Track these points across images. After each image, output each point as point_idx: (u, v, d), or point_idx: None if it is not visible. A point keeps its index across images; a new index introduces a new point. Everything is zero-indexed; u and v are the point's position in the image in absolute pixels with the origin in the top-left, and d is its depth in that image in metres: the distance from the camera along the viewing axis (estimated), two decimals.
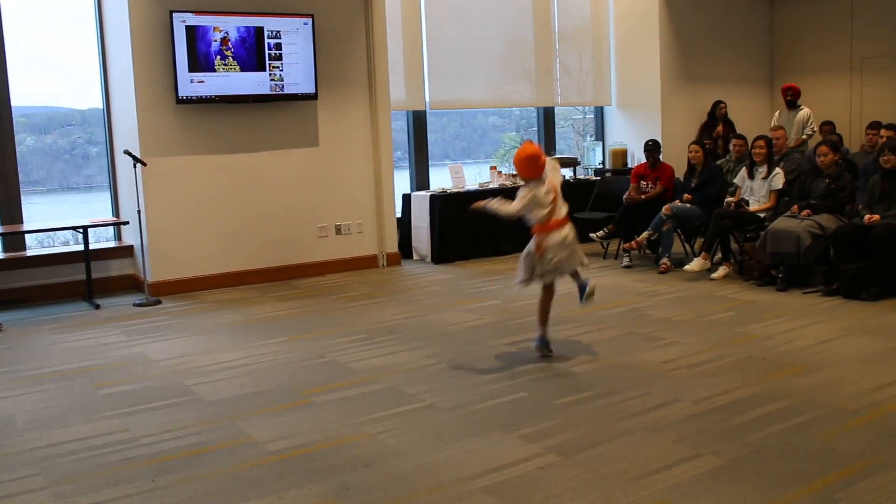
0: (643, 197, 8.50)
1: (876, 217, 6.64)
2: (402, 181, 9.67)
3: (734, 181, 8.09)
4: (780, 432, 3.88)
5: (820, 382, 4.60)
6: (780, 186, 7.63)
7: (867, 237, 6.57)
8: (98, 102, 8.19)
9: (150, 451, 3.91)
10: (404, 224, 9.33)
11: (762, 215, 7.59)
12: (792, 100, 10.16)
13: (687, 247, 8.43)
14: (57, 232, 8.06)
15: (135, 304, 7.31)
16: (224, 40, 7.72)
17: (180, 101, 7.60)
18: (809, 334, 5.62)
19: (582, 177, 10.44)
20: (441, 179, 9.72)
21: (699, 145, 8.36)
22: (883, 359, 5.00)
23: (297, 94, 8.15)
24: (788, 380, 4.65)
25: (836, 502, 3.16)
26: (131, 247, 8.06)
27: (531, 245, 5.16)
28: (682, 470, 3.50)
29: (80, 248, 7.53)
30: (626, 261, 8.38)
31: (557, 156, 10.57)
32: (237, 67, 7.82)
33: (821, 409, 4.16)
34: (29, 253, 7.82)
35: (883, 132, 8.43)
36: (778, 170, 7.71)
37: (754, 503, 3.18)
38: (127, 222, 7.86)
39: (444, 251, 9.00)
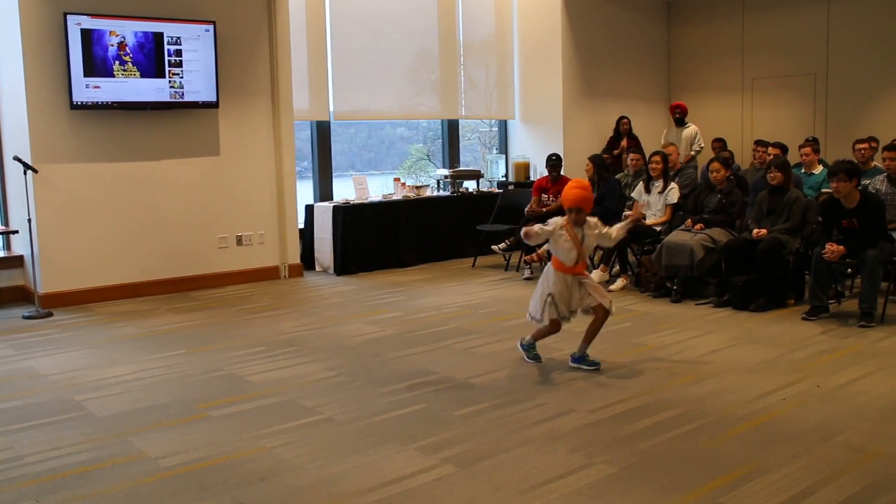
0: (544, 210, 8.65)
1: (763, 231, 6.92)
2: (306, 192, 9.60)
3: (632, 195, 8.31)
4: (670, 440, 4.00)
5: (709, 391, 4.76)
6: (675, 201, 7.87)
7: (755, 251, 6.83)
8: None
9: (36, 469, 3.77)
10: (307, 235, 9.26)
11: (658, 229, 7.82)
12: (680, 117, 10.55)
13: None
14: None
15: (24, 317, 7.04)
16: (122, 45, 7.53)
17: (75, 107, 7.38)
18: (701, 344, 5.81)
19: (485, 189, 10.56)
20: (347, 190, 9.69)
21: (589, 160, 8.57)
22: (768, 367, 5.21)
23: (197, 102, 8.01)
24: (679, 389, 4.80)
25: None
26: (21, 257, 7.77)
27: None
28: (576, 479, 3.57)
29: None
30: (527, 272, 8.51)
31: (461, 168, 10.68)
32: (137, 73, 7.64)
33: (709, 417, 4.30)
34: None
35: (770, 150, 8.80)
36: (673, 185, 7.96)
37: None
38: (16, 231, 7.57)
39: (347, 262, 8.96)
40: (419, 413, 4.46)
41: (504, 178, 11.12)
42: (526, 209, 8.78)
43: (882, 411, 4.36)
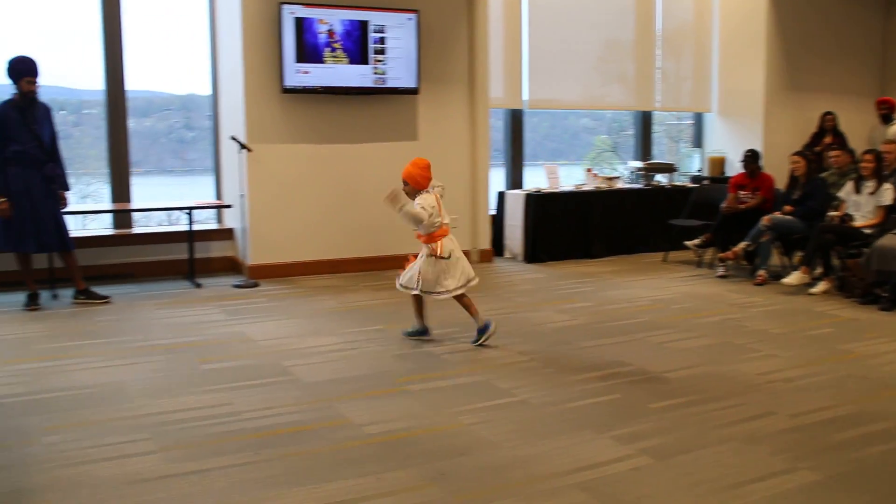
0: (742, 207, 8.35)
1: None
2: (496, 179, 9.71)
3: (839, 195, 7.88)
4: (882, 453, 3.78)
5: None
6: (889, 202, 7.40)
7: None
8: (197, 89, 8.54)
9: (253, 425, 4.06)
10: (498, 222, 9.37)
11: (868, 231, 7.38)
12: (886, 114, 9.85)
13: (785, 259, 8.26)
14: (153, 212, 8.38)
15: (234, 286, 7.55)
16: (330, 33, 7.88)
17: (286, 91, 7.81)
18: None
19: (678, 183, 10.31)
20: (534, 179, 9.74)
21: (801, 156, 8.18)
22: None
23: (398, 88, 8.27)
24: (892, 401, 4.53)
25: None
26: (231, 230, 8.31)
27: (425, 252, 5.59)
28: (778, 482, 3.45)
29: (185, 228, 7.80)
30: (721, 270, 8.25)
31: (653, 161, 10.49)
32: (346, 60, 7.98)
33: None
34: (136, 230, 8.16)
35: None
36: (887, 185, 7.48)
37: None
38: (230, 205, 8.11)
39: (537, 251, 9.01)
40: (613, 403, 4.44)
41: (699, 173, 10.82)
42: (722, 206, 8.51)
43: None
